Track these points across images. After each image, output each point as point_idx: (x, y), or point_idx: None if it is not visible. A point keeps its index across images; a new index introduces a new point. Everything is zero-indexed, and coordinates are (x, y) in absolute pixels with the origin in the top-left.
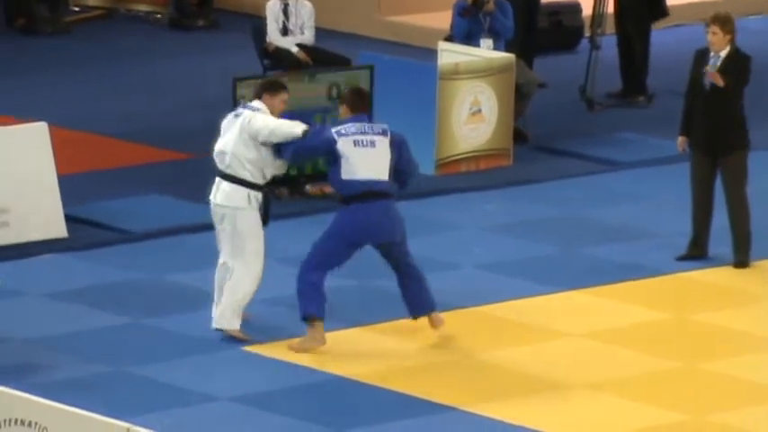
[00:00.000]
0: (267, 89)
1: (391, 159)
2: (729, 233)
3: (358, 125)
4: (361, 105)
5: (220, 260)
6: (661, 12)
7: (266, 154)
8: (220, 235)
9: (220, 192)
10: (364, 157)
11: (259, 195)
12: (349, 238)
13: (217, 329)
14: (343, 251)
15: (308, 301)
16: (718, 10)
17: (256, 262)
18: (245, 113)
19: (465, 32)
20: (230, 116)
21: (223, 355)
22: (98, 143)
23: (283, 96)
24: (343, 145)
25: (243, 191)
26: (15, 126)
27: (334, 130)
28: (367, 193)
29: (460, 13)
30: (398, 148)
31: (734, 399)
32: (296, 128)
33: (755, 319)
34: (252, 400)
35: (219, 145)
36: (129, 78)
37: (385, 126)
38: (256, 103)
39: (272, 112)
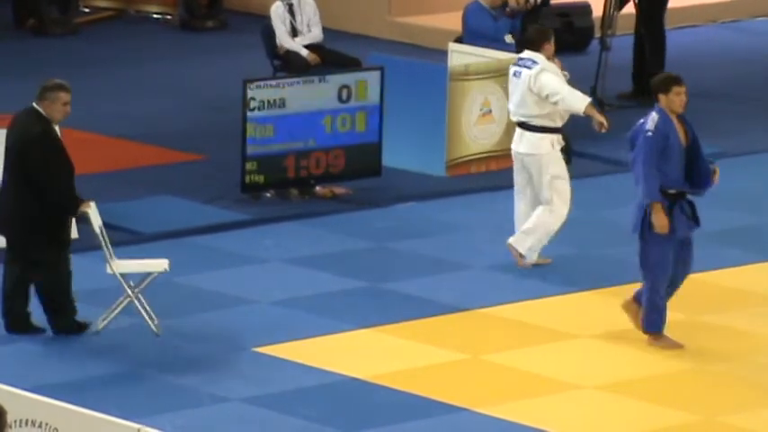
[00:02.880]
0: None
1: None
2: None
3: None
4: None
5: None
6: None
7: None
8: (519, 180)
9: (525, 141)
10: None
11: (560, 138)
12: None
13: (511, 245)
14: None
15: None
16: None
17: (565, 204)
18: (523, 73)
19: (492, 33)
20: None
21: (235, 356)
22: (108, 144)
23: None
24: None
25: (546, 138)
26: None
27: None
28: None
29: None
30: None
31: (744, 400)
32: (579, 103)
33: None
34: (264, 401)
35: (515, 99)
36: (139, 79)
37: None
38: (535, 56)
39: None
